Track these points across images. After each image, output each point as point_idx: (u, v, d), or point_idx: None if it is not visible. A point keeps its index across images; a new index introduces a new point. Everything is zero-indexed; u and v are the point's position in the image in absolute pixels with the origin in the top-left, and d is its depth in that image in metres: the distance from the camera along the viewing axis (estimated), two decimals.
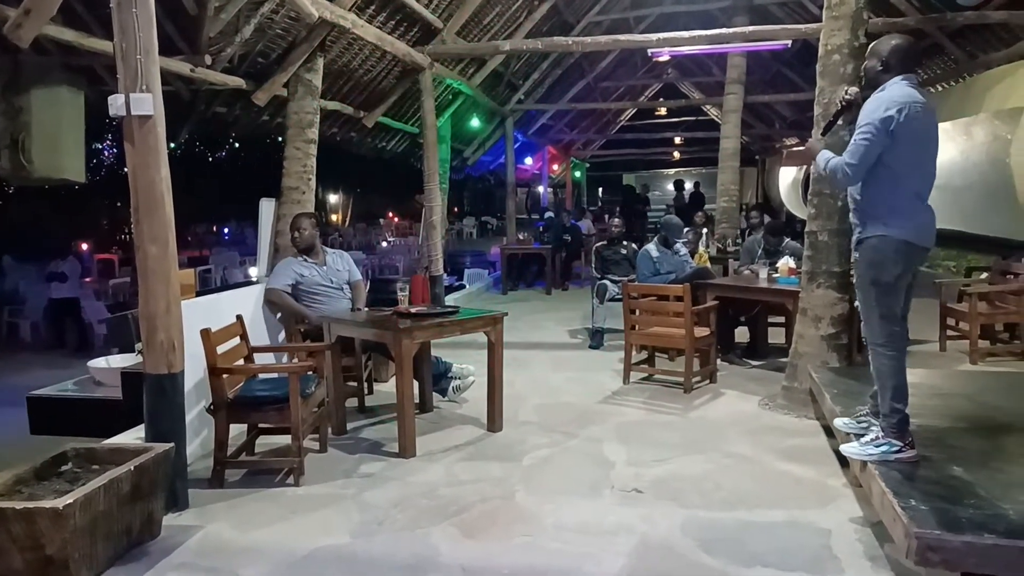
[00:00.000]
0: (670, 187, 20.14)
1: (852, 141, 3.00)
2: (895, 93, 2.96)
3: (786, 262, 5.95)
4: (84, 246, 18.59)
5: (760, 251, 6.83)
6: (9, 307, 11.81)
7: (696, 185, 18.04)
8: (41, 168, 4.64)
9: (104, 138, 27.32)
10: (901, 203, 2.99)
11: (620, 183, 28.26)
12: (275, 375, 4.09)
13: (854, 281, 3.28)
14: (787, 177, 17.83)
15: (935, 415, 3.65)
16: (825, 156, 3.18)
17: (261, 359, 4.50)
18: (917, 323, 6.55)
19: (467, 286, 11.64)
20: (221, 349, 3.84)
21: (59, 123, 4.73)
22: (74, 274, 11.73)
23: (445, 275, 9.80)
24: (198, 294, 4.77)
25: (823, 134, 3.73)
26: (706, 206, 14.55)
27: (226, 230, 30.01)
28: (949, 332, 6.42)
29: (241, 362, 4.11)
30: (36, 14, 3.82)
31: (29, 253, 16.65)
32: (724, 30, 7.85)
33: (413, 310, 4.54)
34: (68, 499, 2.66)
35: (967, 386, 4.43)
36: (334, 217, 34.58)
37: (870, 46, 3.18)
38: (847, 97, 3.25)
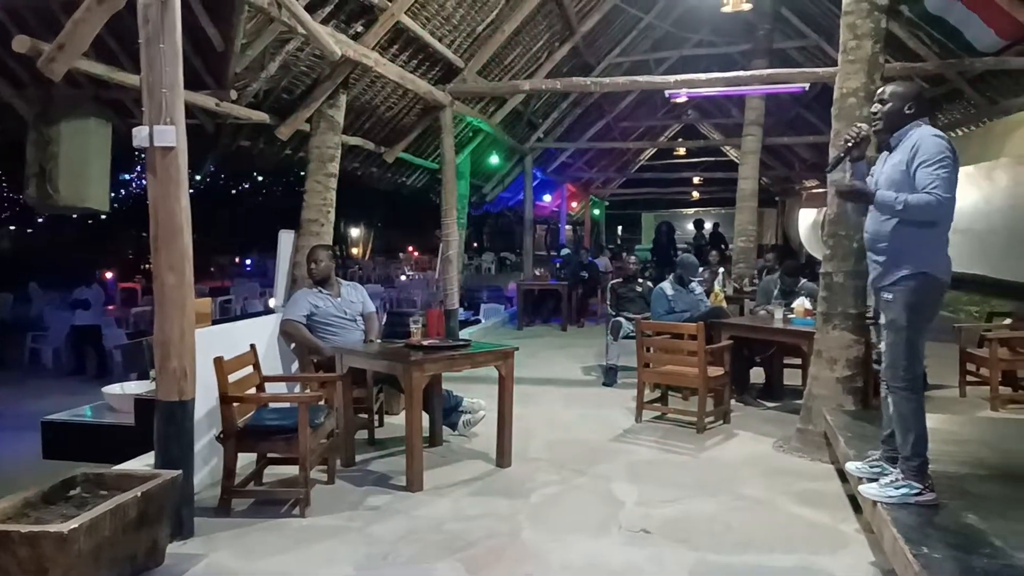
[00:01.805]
0: (690, 227, 20.12)
1: (933, 175, 2.86)
2: (935, 132, 3.00)
3: (802, 303, 5.91)
4: (108, 274, 18.84)
5: (776, 291, 6.79)
6: (32, 333, 11.98)
7: (715, 226, 18.02)
8: (66, 197, 4.74)
9: (133, 169, 27.97)
10: (938, 242, 2.99)
11: (639, 221, 28.27)
12: (285, 405, 4.11)
13: (882, 322, 3.15)
14: (807, 219, 17.79)
15: (953, 461, 3.58)
16: (890, 195, 2.95)
17: (273, 388, 4.53)
18: (936, 368, 6.53)
19: (483, 320, 11.65)
20: (233, 378, 3.87)
21: (85, 153, 4.85)
22: (97, 301, 11.86)
23: (461, 310, 9.83)
24: (218, 323, 4.83)
25: (830, 169, 3.68)
26: (724, 246, 14.52)
27: (248, 261, 30.38)
28: (969, 378, 6.30)
29: (252, 391, 4.14)
30: (69, 49, 3.95)
31: (55, 280, 16.92)
32: (741, 72, 7.93)
33: (424, 343, 4.56)
34: (73, 523, 2.67)
35: (986, 433, 4.35)
36: (355, 251, 34.90)
37: (886, 90, 3.17)
38: (862, 133, 3.20)
